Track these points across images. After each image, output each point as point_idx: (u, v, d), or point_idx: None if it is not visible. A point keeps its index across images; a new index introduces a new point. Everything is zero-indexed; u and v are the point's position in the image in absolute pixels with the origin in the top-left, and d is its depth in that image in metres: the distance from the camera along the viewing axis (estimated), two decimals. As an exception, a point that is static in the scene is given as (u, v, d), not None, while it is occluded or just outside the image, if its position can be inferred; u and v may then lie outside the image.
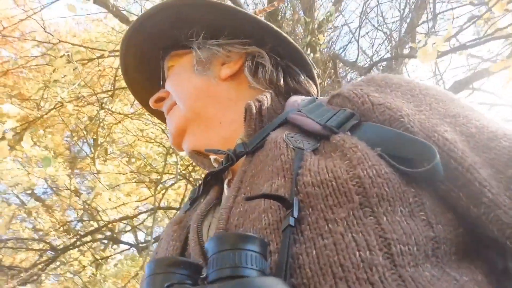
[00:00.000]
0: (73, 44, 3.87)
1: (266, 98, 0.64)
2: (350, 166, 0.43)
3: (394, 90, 0.53)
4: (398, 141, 0.45)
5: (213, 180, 0.61)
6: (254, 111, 0.61)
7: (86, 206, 5.36)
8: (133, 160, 5.62)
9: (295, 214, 0.39)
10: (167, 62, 0.76)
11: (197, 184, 0.69)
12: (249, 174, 0.53)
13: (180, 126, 0.69)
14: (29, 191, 5.71)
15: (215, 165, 0.66)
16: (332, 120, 0.51)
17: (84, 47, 3.93)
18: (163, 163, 4.29)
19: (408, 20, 3.68)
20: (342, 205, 0.39)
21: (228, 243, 0.34)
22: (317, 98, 0.63)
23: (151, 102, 0.74)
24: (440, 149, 0.42)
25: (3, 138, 2.62)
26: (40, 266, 4.73)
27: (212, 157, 0.67)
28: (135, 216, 5.05)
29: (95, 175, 4.93)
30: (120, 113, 4.65)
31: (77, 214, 6.40)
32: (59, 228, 5.39)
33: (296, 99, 0.65)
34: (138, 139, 5.04)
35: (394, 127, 0.46)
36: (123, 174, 5.07)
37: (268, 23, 0.71)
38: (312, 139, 0.52)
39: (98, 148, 5.18)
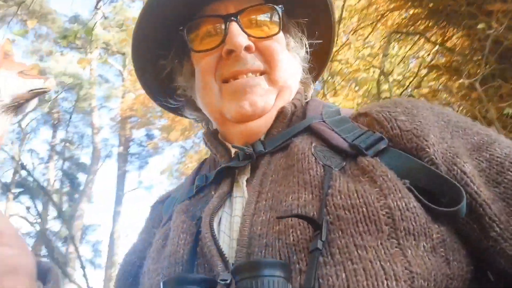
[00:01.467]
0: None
1: (300, 102, 0.64)
2: (381, 195, 0.44)
3: (420, 112, 0.55)
4: (426, 176, 0.47)
5: (225, 172, 0.60)
6: (289, 116, 0.62)
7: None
8: (356, 88, 5.76)
9: (323, 237, 0.41)
10: (245, 10, 0.62)
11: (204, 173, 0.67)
12: (269, 178, 0.54)
13: (266, 108, 0.61)
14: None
15: (235, 149, 0.64)
16: (360, 140, 0.52)
17: None
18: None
19: None
20: (371, 233, 0.42)
21: (249, 271, 0.36)
22: (340, 110, 0.63)
23: (242, 43, 0.59)
24: (458, 183, 0.45)
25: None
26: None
27: (232, 149, 0.64)
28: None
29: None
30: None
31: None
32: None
33: (318, 105, 0.64)
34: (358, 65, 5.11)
35: (420, 156, 0.49)
36: (352, 100, 5.33)
37: None
38: (337, 155, 0.52)
39: (326, 83, 5.61)
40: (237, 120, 0.62)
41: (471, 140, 0.51)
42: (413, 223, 0.42)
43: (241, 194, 0.57)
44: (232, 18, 0.60)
